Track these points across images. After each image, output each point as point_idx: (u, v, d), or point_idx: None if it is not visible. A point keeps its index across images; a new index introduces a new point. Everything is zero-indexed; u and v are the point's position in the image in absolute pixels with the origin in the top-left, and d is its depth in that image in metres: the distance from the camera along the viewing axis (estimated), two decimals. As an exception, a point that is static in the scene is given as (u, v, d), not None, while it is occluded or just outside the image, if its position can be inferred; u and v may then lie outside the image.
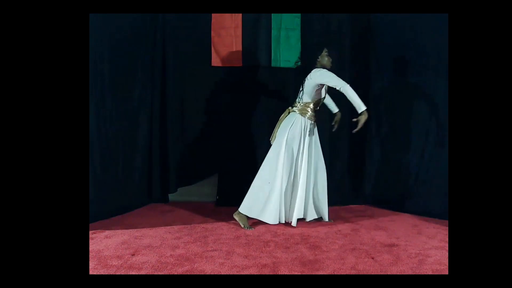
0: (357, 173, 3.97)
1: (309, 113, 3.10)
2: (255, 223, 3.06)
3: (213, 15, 3.81)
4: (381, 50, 3.76)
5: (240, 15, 3.81)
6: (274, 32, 3.85)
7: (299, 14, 3.84)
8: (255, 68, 3.89)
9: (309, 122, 3.11)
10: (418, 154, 3.52)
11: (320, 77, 3.00)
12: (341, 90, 2.91)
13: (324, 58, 3.12)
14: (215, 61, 3.88)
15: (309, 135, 3.09)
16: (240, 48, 3.84)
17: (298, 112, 3.10)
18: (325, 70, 3.04)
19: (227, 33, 3.84)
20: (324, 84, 3.07)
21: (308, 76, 3.05)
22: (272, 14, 3.81)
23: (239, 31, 3.83)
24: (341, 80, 2.94)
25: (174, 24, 3.78)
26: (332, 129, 3.34)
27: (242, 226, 2.99)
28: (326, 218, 3.21)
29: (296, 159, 3.06)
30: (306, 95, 3.09)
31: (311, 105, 3.10)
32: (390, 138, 3.77)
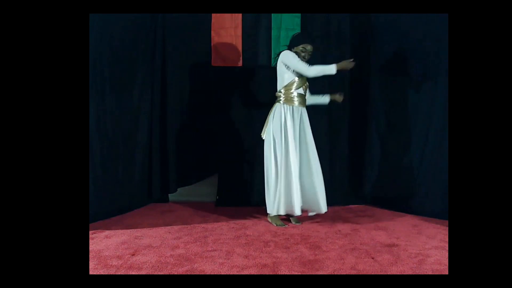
0: (357, 173, 3.96)
1: (289, 97, 3.05)
2: (256, 223, 3.06)
3: (213, 15, 3.82)
4: (381, 50, 3.76)
5: (240, 15, 3.81)
6: (274, 32, 3.86)
7: (299, 14, 3.84)
8: (255, 68, 3.90)
9: (288, 107, 3.04)
10: (418, 154, 3.52)
11: (284, 58, 3.00)
12: (306, 74, 2.97)
13: (299, 48, 3.05)
14: (215, 61, 3.88)
15: (290, 119, 3.00)
16: (240, 48, 3.84)
17: (279, 101, 3.08)
18: (289, 52, 3.03)
19: (227, 33, 3.84)
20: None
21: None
22: (272, 14, 3.82)
23: (239, 31, 3.84)
24: (304, 64, 2.94)
25: (174, 24, 3.78)
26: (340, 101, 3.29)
27: (274, 225, 3.03)
28: (322, 209, 3.07)
29: (285, 147, 2.97)
30: (281, 81, 3.09)
31: (288, 89, 3.05)
32: (390, 137, 3.77)
